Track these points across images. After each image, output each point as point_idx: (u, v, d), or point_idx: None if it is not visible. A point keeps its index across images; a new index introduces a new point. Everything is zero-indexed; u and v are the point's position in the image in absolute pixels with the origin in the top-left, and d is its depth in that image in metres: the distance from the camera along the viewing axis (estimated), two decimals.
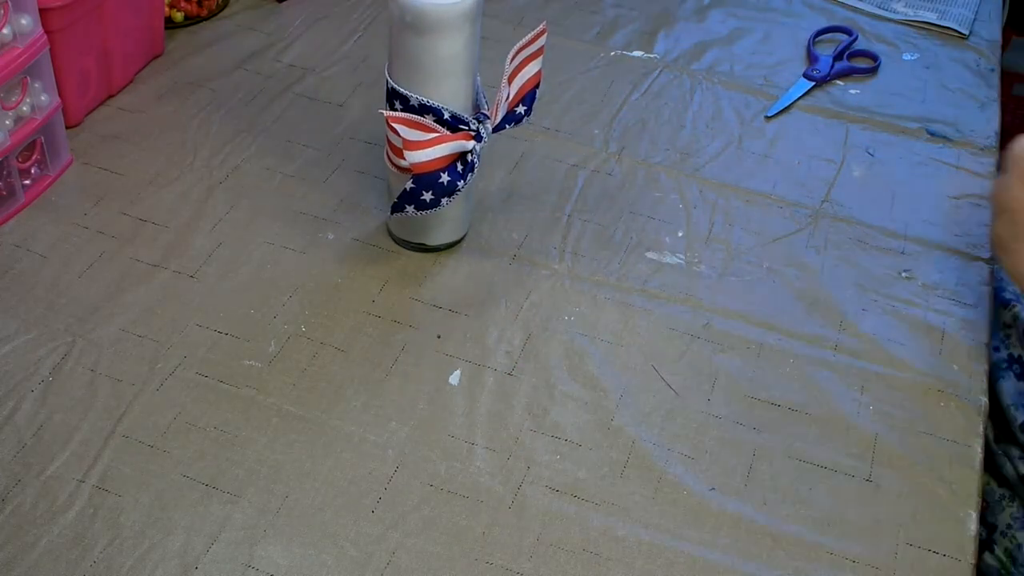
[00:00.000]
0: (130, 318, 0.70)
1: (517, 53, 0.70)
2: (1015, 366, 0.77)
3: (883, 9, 1.09)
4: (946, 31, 1.06)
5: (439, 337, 0.71)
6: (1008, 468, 0.76)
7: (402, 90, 0.69)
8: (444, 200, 0.70)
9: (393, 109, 0.70)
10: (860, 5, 1.10)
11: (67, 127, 0.82)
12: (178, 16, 0.96)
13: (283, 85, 0.91)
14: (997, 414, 0.78)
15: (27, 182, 0.78)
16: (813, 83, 0.97)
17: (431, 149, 0.68)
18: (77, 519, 0.59)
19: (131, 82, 0.90)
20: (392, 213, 0.72)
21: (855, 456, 0.67)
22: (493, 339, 0.71)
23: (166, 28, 0.94)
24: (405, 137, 0.67)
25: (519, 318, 0.73)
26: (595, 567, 0.60)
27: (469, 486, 0.63)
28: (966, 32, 1.06)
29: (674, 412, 0.68)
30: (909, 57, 1.03)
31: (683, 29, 1.04)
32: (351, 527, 0.60)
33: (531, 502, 0.62)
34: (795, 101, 0.95)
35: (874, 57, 1.01)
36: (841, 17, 1.07)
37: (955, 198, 0.87)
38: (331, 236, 0.78)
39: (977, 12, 1.09)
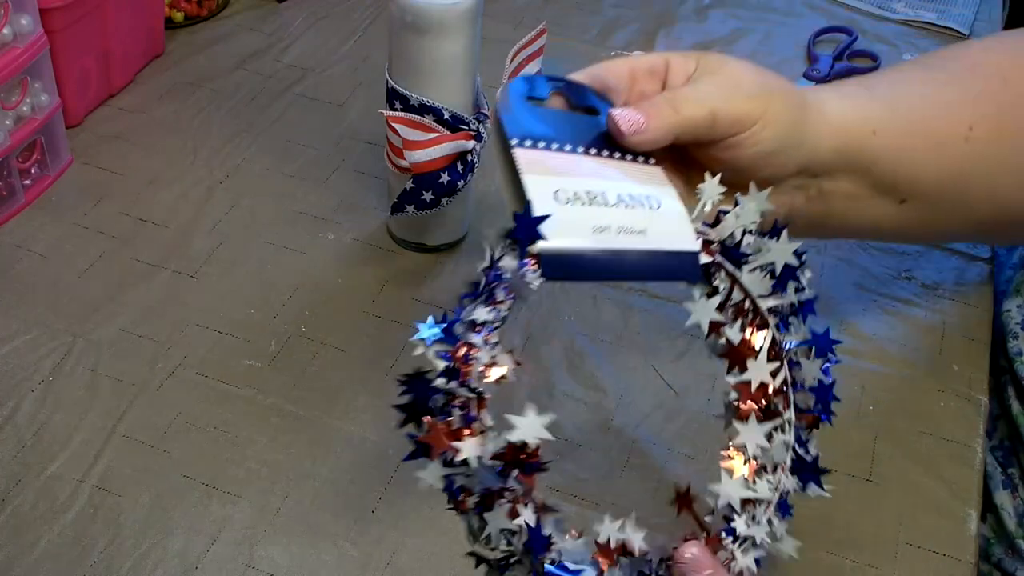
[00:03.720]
0: (130, 318, 0.70)
1: (517, 53, 0.70)
2: None
3: (883, 9, 1.09)
4: (946, 31, 1.06)
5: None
6: None
7: (402, 90, 0.69)
8: (444, 200, 0.70)
9: (393, 109, 0.70)
10: (860, 5, 1.10)
11: (67, 127, 0.82)
12: (178, 16, 0.96)
13: (283, 85, 0.91)
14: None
15: (27, 182, 0.78)
16: (813, 83, 0.97)
17: (431, 149, 0.68)
18: (77, 519, 0.59)
19: (131, 82, 0.90)
20: (392, 213, 0.72)
21: (855, 456, 0.67)
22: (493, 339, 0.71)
23: (166, 28, 0.94)
24: (405, 137, 0.67)
25: (519, 318, 0.73)
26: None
27: None
28: (966, 32, 1.06)
29: (674, 412, 0.68)
30: (909, 57, 1.02)
31: (683, 29, 1.04)
32: (351, 527, 0.60)
33: None
34: None
35: (874, 57, 1.01)
36: (841, 17, 1.07)
37: None
38: (331, 236, 0.78)
39: (977, 12, 1.09)
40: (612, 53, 0.99)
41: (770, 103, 0.53)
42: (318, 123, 0.88)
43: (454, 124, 0.69)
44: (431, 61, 0.68)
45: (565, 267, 0.44)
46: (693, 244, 0.47)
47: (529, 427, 0.40)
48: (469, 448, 0.41)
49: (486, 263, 0.44)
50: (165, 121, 0.87)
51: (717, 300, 0.46)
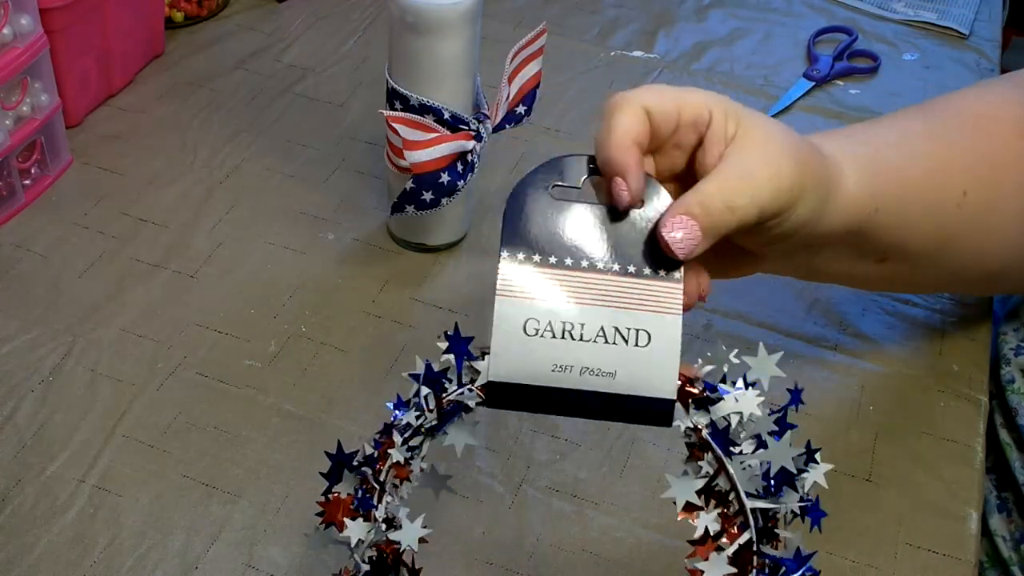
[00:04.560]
0: (130, 318, 0.70)
1: (517, 53, 0.70)
2: None
3: (883, 9, 1.09)
4: (946, 31, 1.06)
5: (439, 337, 0.71)
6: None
7: (402, 90, 0.69)
8: (444, 200, 0.70)
9: (393, 109, 0.70)
10: (860, 5, 1.10)
11: (67, 127, 0.82)
12: (178, 16, 0.96)
13: (283, 85, 0.91)
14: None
15: (27, 182, 0.78)
16: (813, 83, 0.97)
17: (431, 149, 0.68)
18: (77, 519, 0.59)
19: (131, 82, 0.90)
20: (392, 213, 0.72)
21: (855, 456, 0.67)
22: None
23: (166, 28, 0.94)
24: (405, 137, 0.67)
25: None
26: (595, 567, 0.60)
27: (469, 486, 0.63)
28: (966, 32, 1.06)
29: None
30: (909, 57, 1.03)
31: (683, 29, 1.04)
32: None
33: (531, 502, 0.62)
34: (795, 101, 0.95)
35: (874, 57, 1.01)
36: (841, 17, 1.07)
37: None
38: (331, 236, 0.78)
39: (977, 12, 1.09)
40: (612, 53, 1.00)
41: (803, 194, 0.49)
42: (318, 123, 0.88)
43: (454, 124, 0.69)
44: (431, 61, 0.68)
45: (513, 399, 0.44)
46: (670, 392, 0.44)
47: (409, 532, 0.43)
48: (355, 529, 0.44)
49: (420, 370, 0.45)
50: (165, 121, 0.87)
51: (700, 483, 0.43)
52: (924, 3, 1.10)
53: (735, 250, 0.55)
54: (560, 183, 0.47)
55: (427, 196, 0.70)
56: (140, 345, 0.69)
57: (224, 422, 0.65)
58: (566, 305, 0.44)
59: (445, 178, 0.69)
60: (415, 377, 0.45)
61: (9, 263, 0.73)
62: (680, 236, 0.45)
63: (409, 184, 0.70)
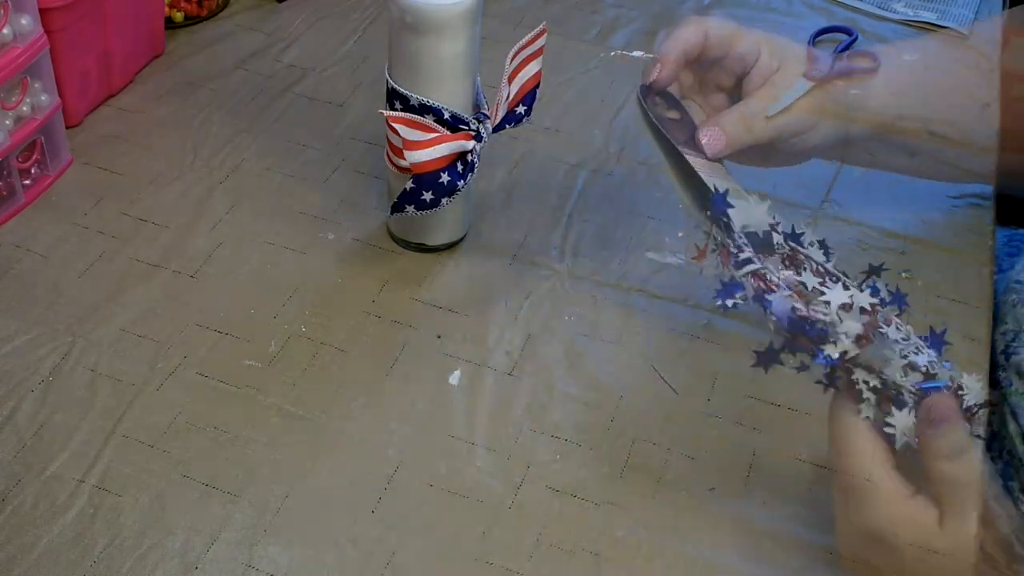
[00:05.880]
0: (130, 318, 0.70)
1: (517, 53, 0.70)
2: None
3: (883, 9, 1.09)
4: (946, 31, 1.06)
5: (439, 337, 0.71)
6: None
7: (402, 90, 0.69)
8: (444, 200, 0.70)
9: (393, 109, 0.70)
10: (860, 5, 1.09)
11: (67, 127, 0.82)
12: (178, 16, 0.96)
13: (283, 85, 0.91)
14: None
15: (27, 182, 0.78)
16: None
17: (431, 149, 0.68)
18: (77, 519, 0.59)
19: (131, 82, 0.90)
20: (392, 213, 0.72)
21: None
22: (493, 339, 0.71)
23: (166, 28, 0.94)
24: (405, 137, 0.67)
25: (519, 318, 0.73)
26: (595, 567, 0.60)
27: (469, 486, 0.63)
28: (966, 32, 1.06)
29: (674, 412, 0.68)
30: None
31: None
32: (351, 527, 0.60)
33: (531, 502, 0.62)
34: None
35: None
36: (841, 17, 1.07)
37: (955, 198, 0.87)
38: (331, 236, 0.78)
39: (977, 12, 1.09)
40: (612, 53, 0.99)
41: (820, 121, 0.68)
42: (318, 123, 0.88)
43: (454, 124, 0.69)
44: (431, 61, 0.68)
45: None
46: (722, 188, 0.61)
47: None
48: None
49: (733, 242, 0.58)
50: (165, 121, 0.87)
51: (767, 204, 0.59)
52: (924, 3, 1.10)
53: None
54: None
55: (427, 196, 0.70)
56: (140, 345, 0.69)
57: (224, 422, 0.65)
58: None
59: (445, 178, 0.69)
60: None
61: (9, 263, 0.73)
62: (707, 141, 0.69)
63: (409, 184, 0.70)
